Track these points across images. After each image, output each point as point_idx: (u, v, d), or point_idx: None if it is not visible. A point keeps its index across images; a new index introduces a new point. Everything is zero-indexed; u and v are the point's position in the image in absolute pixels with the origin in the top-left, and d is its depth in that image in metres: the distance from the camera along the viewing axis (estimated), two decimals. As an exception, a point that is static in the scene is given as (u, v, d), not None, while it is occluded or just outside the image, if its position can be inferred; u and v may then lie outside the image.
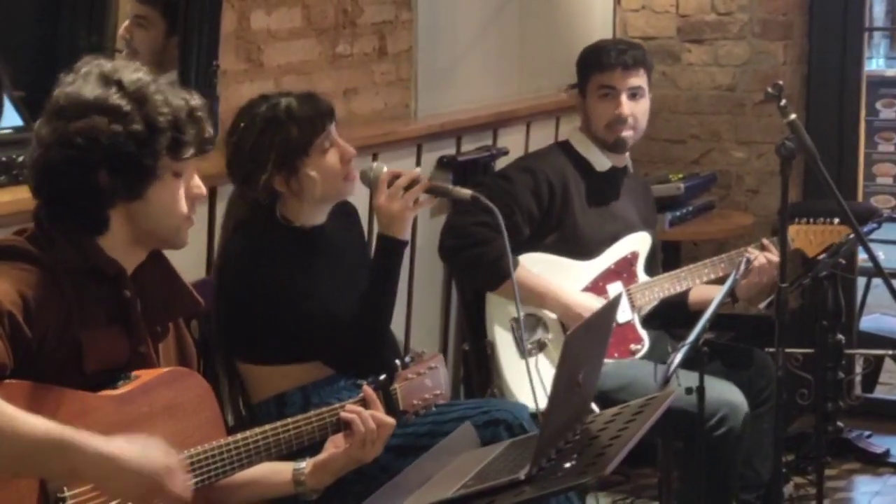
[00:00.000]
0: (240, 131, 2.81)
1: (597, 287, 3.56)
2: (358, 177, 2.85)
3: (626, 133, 3.62)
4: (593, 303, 3.43)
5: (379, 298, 2.80)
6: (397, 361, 2.46)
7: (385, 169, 2.82)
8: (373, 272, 2.82)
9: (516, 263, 3.38)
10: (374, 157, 3.06)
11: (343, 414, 2.34)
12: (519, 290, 3.30)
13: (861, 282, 5.08)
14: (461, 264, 3.52)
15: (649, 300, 3.60)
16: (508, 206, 3.40)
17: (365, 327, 2.76)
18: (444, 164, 4.01)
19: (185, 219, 2.18)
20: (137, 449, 1.95)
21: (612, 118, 3.61)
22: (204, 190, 2.21)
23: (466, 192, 2.85)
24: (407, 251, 3.81)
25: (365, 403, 2.37)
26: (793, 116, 3.18)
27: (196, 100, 2.15)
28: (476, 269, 3.45)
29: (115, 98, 2.07)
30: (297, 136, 2.76)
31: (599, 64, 3.63)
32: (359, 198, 3.13)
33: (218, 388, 2.88)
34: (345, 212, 2.99)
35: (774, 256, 3.49)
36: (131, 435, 2.01)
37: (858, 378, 4.60)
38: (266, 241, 2.78)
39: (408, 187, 2.77)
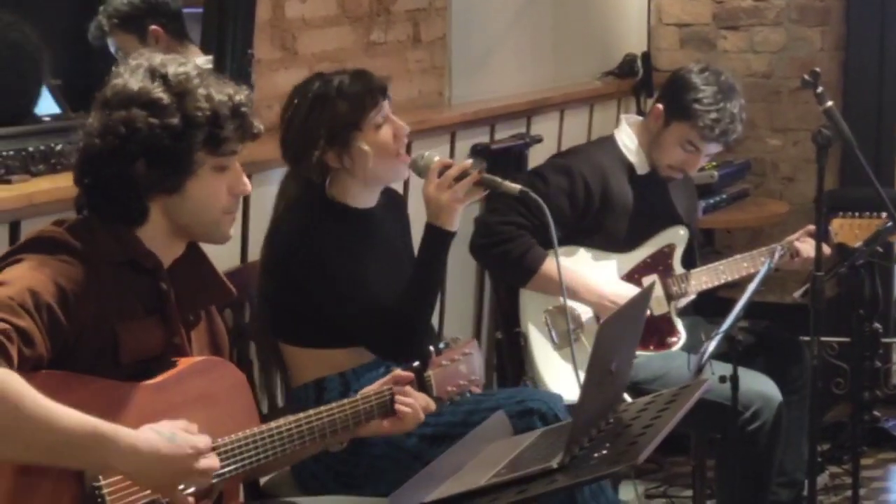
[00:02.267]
0: (293, 108, 2.83)
1: (632, 280, 3.54)
2: (405, 155, 2.85)
3: (678, 177, 3.61)
4: (627, 291, 3.42)
5: (423, 287, 2.80)
6: (431, 348, 2.46)
7: (436, 158, 2.82)
8: (418, 261, 2.82)
9: (545, 256, 3.37)
10: (408, 146, 3.07)
11: (400, 407, 2.37)
12: (550, 284, 3.33)
13: (898, 270, 5.04)
14: (489, 262, 3.53)
15: (685, 293, 3.57)
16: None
17: (408, 315, 2.76)
18: (477, 151, 4.01)
19: (224, 214, 2.18)
20: (166, 437, 1.97)
21: (680, 166, 3.57)
22: (248, 187, 2.20)
23: (515, 187, 2.83)
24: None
25: (396, 388, 2.38)
26: (829, 104, 3.16)
27: (242, 95, 2.15)
28: (503, 267, 3.45)
29: (157, 91, 2.09)
30: (346, 111, 2.78)
31: (708, 129, 3.49)
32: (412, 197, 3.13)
33: (252, 377, 2.90)
34: (394, 202, 3.00)
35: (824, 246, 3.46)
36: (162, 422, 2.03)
37: (895, 367, 4.57)
38: (316, 220, 2.78)
39: (458, 178, 2.76)
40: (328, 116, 2.77)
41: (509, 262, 3.40)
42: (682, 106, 3.51)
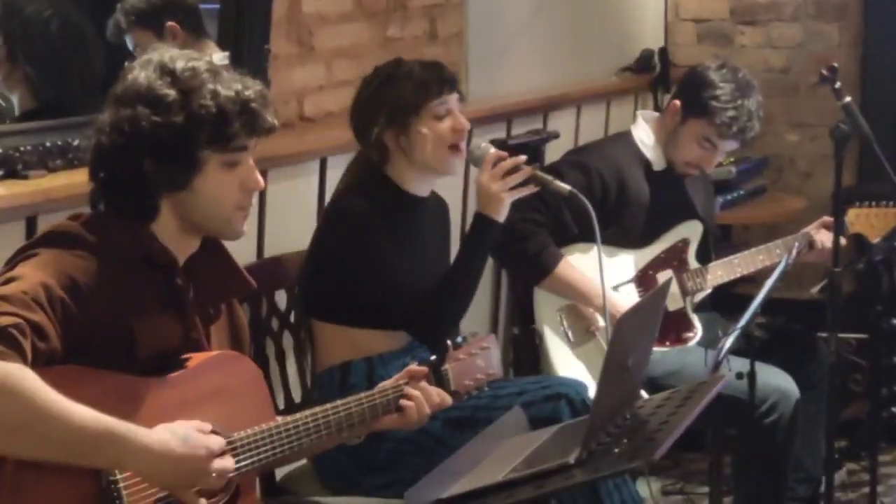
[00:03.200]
0: (364, 85, 2.92)
1: (646, 276, 3.53)
2: (462, 149, 2.91)
3: (693, 174, 3.60)
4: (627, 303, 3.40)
5: (466, 272, 2.88)
6: (448, 342, 2.47)
7: (492, 150, 2.90)
8: (463, 247, 2.91)
9: (560, 258, 3.39)
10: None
11: (403, 402, 2.37)
12: (561, 286, 3.36)
13: (917, 266, 5.01)
14: (506, 260, 3.53)
15: (701, 288, 3.56)
16: (557, 204, 3.40)
17: (450, 297, 2.84)
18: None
19: (236, 210, 2.17)
20: (180, 438, 1.98)
21: (697, 163, 3.56)
22: (261, 183, 2.19)
23: (566, 188, 2.92)
24: (455, 235, 3.84)
25: (411, 382, 2.39)
26: (847, 99, 3.15)
27: (252, 90, 2.13)
28: (518, 264, 3.45)
29: (163, 88, 2.09)
30: (410, 94, 2.84)
31: (726, 126, 3.47)
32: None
33: (268, 372, 2.91)
34: (440, 206, 3.06)
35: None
36: (181, 418, 2.03)
37: (913, 363, 4.55)
38: (377, 198, 2.83)
39: (511, 171, 2.85)
40: (392, 96, 2.85)
41: (524, 259, 3.40)
42: (699, 103, 3.49)
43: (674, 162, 3.57)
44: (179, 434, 1.98)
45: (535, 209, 3.38)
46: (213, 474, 2.01)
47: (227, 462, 2.05)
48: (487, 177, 2.86)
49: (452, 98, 2.89)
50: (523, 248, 3.39)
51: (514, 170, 2.85)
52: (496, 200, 2.85)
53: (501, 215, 2.87)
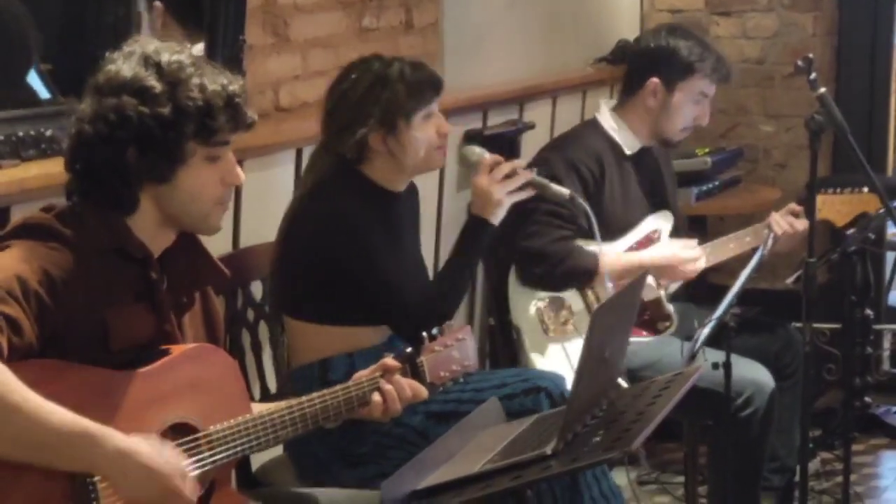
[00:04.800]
0: (350, 81, 2.86)
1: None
2: (446, 151, 2.92)
3: (685, 136, 3.66)
4: (687, 253, 3.47)
5: (461, 273, 2.90)
6: (424, 334, 2.47)
7: (487, 155, 2.94)
8: (458, 248, 2.91)
9: (594, 254, 3.41)
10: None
11: (375, 396, 2.35)
12: (616, 273, 3.40)
13: (890, 256, 5.04)
14: (559, 284, 3.49)
15: (674, 277, 3.58)
16: (570, 212, 3.41)
17: (442, 298, 2.85)
18: (470, 137, 4.00)
19: (216, 205, 2.17)
20: (155, 449, 1.97)
21: (696, 122, 3.62)
22: (241, 178, 2.18)
23: (565, 192, 2.99)
24: (431, 227, 3.84)
25: (386, 375, 2.38)
26: (822, 90, 3.15)
27: (236, 85, 2.13)
28: (571, 282, 3.47)
29: (149, 80, 2.08)
30: (404, 98, 2.82)
31: (715, 72, 3.58)
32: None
33: (244, 363, 2.89)
34: (411, 192, 3.03)
35: (801, 224, 3.47)
36: (157, 411, 2.03)
37: (887, 353, 4.58)
38: (354, 197, 2.81)
39: (508, 175, 2.89)
40: (386, 98, 2.81)
41: (575, 276, 3.43)
42: (679, 68, 3.57)
43: (669, 136, 3.62)
44: (156, 446, 1.97)
45: (556, 227, 3.44)
46: (184, 494, 1.98)
47: (197, 487, 2.04)
48: (487, 181, 2.88)
49: (436, 101, 2.89)
50: (570, 268, 3.43)
51: (511, 174, 2.89)
52: (495, 204, 2.88)
53: (498, 218, 2.90)
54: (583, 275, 3.42)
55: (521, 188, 2.93)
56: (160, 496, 1.97)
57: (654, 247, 3.55)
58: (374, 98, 2.81)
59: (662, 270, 3.46)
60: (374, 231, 2.79)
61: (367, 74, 2.84)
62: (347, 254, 2.76)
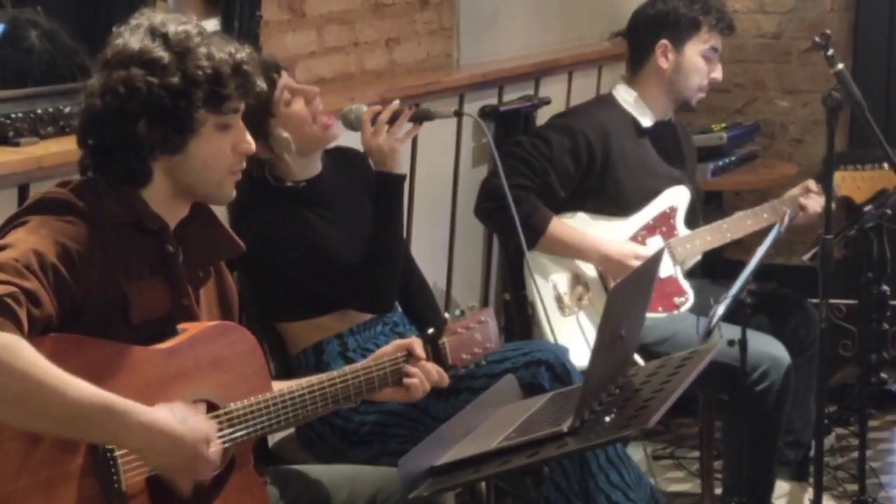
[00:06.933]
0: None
1: (636, 243, 3.54)
2: (334, 121, 2.87)
3: (704, 94, 3.65)
4: (633, 250, 3.42)
5: (387, 234, 2.83)
6: (446, 315, 2.47)
7: (365, 108, 2.90)
8: (376, 211, 2.85)
9: (550, 217, 3.40)
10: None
11: (407, 381, 2.37)
12: (556, 245, 3.36)
13: (907, 232, 5.03)
14: (496, 225, 3.53)
15: (691, 253, 3.57)
16: (544, 167, 3.41)
17: (378, 264, 2.79)
18: (485, 113, 3.99)
19: (229, 173, 2.18)
20: (178, 418, 1.98)
21: (712, 78, 3.61)
22: (252, 145, 2.19)
23: (449, 110, 2.97)
24: (447, 202, 3.83)
25: (410, 358, 2.39)
26: (840, 66, 3.14)
27: (244, 53, 2.14)
28: (510, 229, 3.44)
29: (157, 50, 2.08)
30: (255, 103, 2.70)
31: (720, 21, 3.59)
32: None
33: (262, 341, 2.90)
34: (346, 157, 3.00)
35: (821, 202, 3.47)
36: (179, 388, 2.04)
37: (902, 330, 4.56)
38: (257, 206, 2.77)
39: (391, 120, 2.84)
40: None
41: (520, 226, 3.39)
42: (685, 25, 3.58)
43: (686, 96, 3.60)
44: (179, 414, 1.98)
45: (520, 174, 3.39)
46: (209, 458, 2.00)
47: (220, 449, 2.05)
48: (371, 134, 2.85)
49: (284, 76, 2.78)
50: (516, 215, 3.38)
51: (394, 118, 2.84)
52: (389, 154, 2.84)
53: (401, 167, 2.87)
54: (525, 227, 3.30)
55: (410, 127, 2.88)
56: (186, 462, 1.99)
57: (618, 241, 3.49)
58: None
59: (610, 264, 3.42)
60: (288, 230, 2.75)
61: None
62: (275, 260, 2.75)
